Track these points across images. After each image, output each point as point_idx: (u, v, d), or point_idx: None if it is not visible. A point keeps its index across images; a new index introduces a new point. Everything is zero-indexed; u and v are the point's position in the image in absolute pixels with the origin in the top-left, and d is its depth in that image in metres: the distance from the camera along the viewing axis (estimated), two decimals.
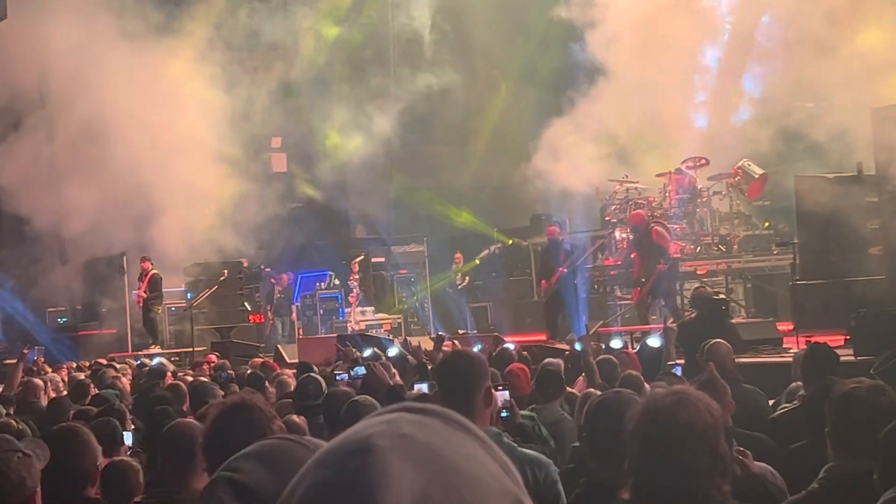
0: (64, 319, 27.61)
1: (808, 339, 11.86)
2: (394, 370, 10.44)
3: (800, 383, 8.38)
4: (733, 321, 14.63)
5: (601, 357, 10.54)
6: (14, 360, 15.31)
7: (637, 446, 3.19)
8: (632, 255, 20.74)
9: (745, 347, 13.83)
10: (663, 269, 19.17)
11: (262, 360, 17.18)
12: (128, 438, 7.94)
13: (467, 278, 27.62)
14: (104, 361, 17.94)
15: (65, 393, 13.02)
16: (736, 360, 12.54)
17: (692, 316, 14.43)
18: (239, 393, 4.44)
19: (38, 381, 12.86)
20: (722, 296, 18.40)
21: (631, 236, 20.37)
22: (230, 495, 2.22)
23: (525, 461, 4.79)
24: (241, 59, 27.31)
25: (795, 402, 7.95)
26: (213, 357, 17.47)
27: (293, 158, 29.13)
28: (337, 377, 10.58)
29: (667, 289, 19.37)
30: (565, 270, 20.22)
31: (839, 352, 9.06)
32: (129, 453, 7.57)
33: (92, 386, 12.51)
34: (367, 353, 13.55)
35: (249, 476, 2.20)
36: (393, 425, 1.22)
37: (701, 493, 3.10)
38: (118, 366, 17.09)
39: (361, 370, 9.54)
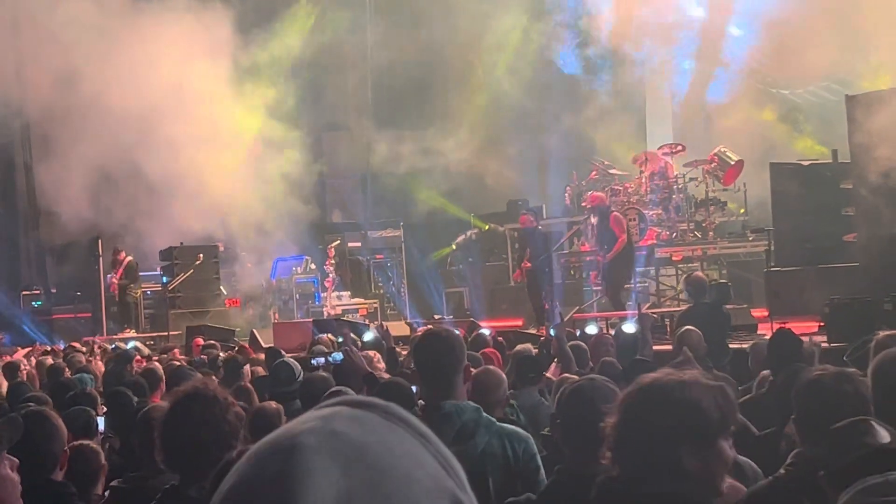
0: (38, 303, 27.51)
1: (782, 325, 11.90)
2: (378, 360, 10.43)
3: (766, 372, 8.41)
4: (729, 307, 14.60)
5: (571, 343, 10.52)
6: None
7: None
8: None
9: None
10: (602, 259, 19.27)
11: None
12: (101, 424, 7.93)
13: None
14: (77, 345, 17.90)
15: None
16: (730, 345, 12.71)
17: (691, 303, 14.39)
18: (193, 381, 4.42)
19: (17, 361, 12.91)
20: (724, 280, 18.38)
21: (593, 219, 20.35)
22: None
23: (504, 435, 4.83)
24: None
25: (763, 388, 8.00)
26: (199, 340, 17.45)
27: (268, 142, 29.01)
28: (313, 361, 10.53)
29: (615, 277, 19.30)
30: (529, 265, 20.23)
31: (813, 338, 9.12)
32: (101, 438, 7.56)
33: (66, 370, 12.50)
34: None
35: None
36: (327, 421, 1.19)
37: None
38: (84, 349, 17.09)
39: (339, 356, 9.50)
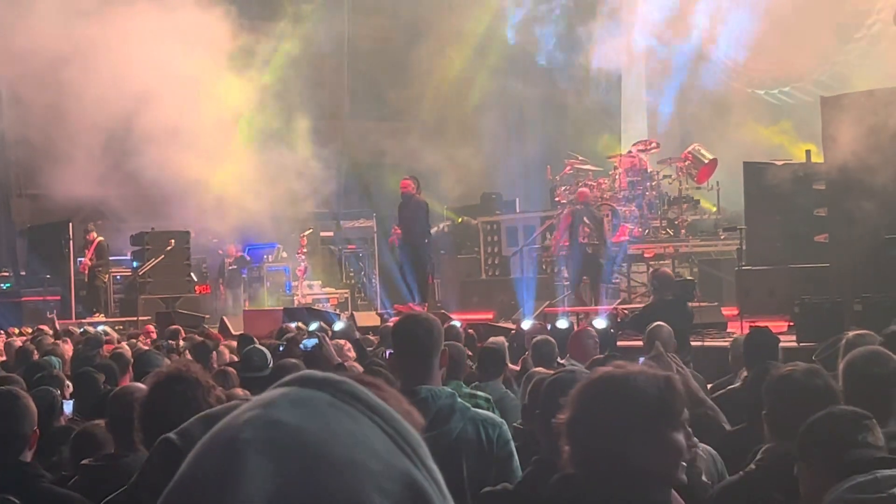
0: (7, 285, 27.35)
1: (752, 324, 11.94)
2: (348, 349, 10.41)
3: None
4: (693, 304, 14.62)
5: (540, 337, 10.45)
6: None
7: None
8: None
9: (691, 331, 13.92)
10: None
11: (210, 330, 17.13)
12: (67, 407, 7.88)
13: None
14: (46, 328, 17.81)
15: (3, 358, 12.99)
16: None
17: (653, 298, 14.43)
18: (175, 363, 4.41)
19: None
20: (690, 278, 18.46)
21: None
22: (165, 459, 2.20)
23: (479, 420, 4.83)
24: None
25: (736, 383, 8.04)
26: (150, 328, 17.38)
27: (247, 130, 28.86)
28: (301, 346, 10.46)
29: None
30: (400, 233, 20.63)
31: (782, 338, 9.16)
32: (68, 421, 7.53)
33: (35, 352, 12.43)
34: (314, 326, 13.48)
35: (188, 442, 2.17)
36: (268, 409, 1.17)
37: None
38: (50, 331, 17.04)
39: (311, 342, 9.45)
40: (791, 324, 13.81)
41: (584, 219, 19.97)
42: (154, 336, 16.53)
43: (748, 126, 25.11)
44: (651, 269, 18.33)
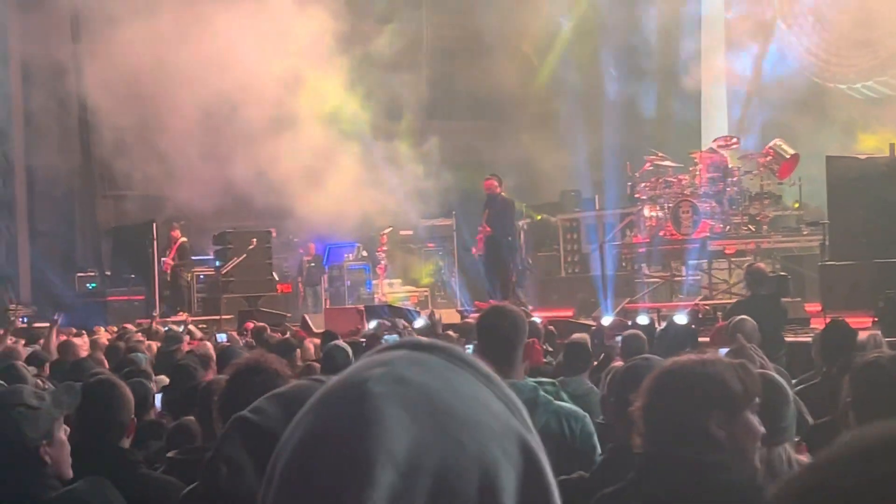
0: (93, 285, 27.78)
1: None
2: None
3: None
4: (787, 300, 14.50)
5: (629, 332, 10.45)
6: (47, 324, 15.76)
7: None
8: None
9: None
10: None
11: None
12: (157, 400, 8.03)
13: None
14: (131, 326, 18.08)
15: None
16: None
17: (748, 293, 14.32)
18: (253, 354, 4.46)
19: (77, 341, 13.10)
20: (783, 273, 18.29)
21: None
22: (242, 435, 2.24)
23: (562, 414, 4.86)
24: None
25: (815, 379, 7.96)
26: (250, 325, 17.54)
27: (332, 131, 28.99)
28: (383, 340, 10.52)
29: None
30: (490, 231, 20.48)
31: (865, 333, 9.07)
32: (156, 415, 7.67)
33: (123, 348, 12.66)
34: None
35: (265, 418, 2.20)
36: (392, 367, 1.18)
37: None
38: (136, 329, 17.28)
39: (392, 338, 9.48)
40: (875, 319, 13.64)
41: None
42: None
43: (830, 120, 24.83)
44: (745, 265, 18.15)
